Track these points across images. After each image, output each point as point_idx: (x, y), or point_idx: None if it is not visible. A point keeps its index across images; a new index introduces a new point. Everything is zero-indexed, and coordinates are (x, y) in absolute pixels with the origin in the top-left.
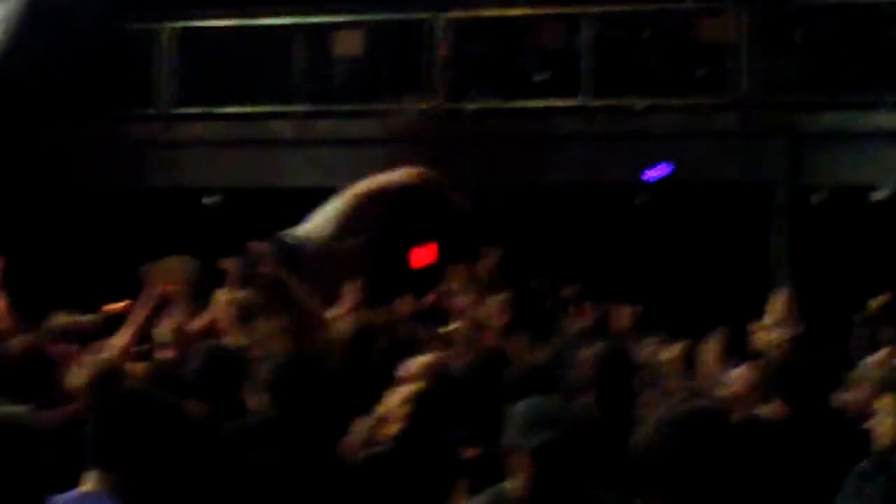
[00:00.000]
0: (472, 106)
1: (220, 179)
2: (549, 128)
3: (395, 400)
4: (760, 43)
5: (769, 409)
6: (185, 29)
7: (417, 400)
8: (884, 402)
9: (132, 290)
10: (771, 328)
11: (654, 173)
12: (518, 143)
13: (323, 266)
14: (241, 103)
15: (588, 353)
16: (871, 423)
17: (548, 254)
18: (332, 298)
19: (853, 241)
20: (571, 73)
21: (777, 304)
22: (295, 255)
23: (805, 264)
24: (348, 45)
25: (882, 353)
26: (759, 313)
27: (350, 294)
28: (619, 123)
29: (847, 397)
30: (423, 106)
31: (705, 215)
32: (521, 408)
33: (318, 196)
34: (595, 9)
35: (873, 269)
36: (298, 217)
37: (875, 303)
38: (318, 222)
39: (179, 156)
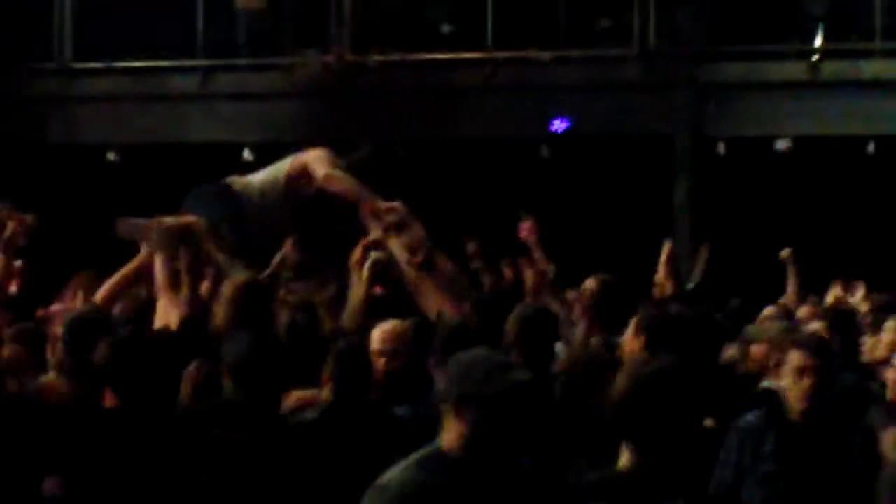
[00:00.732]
0: (377, 58)
1: (121, 135)
2: (455, 80)
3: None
4: None
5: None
6: None
7: (343, 361)
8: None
9: (32, 244)
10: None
11: (558, 126)
12: (423, 96)
13: (262, 221)
14: (143, 58)
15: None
16: (774, 381)
17: (454, 208)
18: (265, 254)
19: (756, 191)
20: (477, 26)
21: (662, 259)
22: (238, 204)
23: (707, 215)
24: None
25: (771, 309)
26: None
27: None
28: (525, 76)
29: (734, 353)
30: (328, 59)
31: (610, 167)
32: (472, 358)
33: (222, 151)
34: None
35: (776, 219)
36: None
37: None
38: (264, 179)
39: (80, 111)
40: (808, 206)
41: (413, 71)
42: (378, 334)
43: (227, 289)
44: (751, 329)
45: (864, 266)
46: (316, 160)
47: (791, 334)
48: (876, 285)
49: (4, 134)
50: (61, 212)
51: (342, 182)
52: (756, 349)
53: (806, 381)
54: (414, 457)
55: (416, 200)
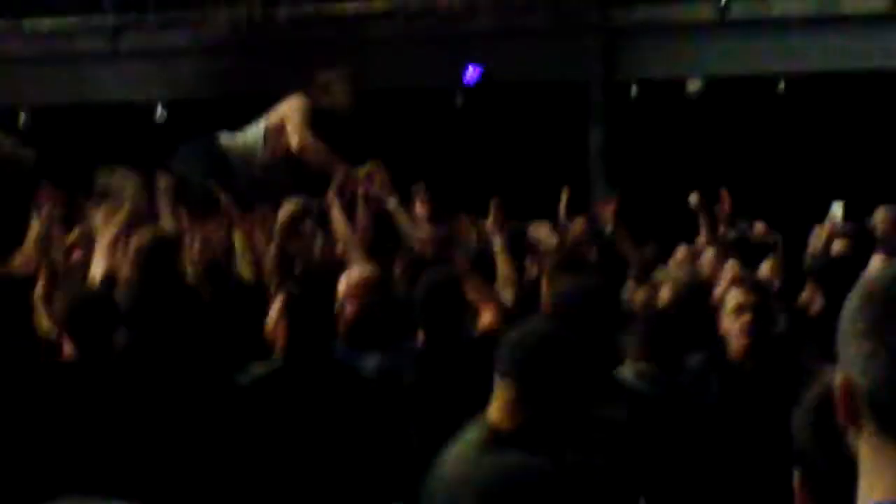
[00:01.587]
0: (284, 12)
1: (30, 97)
2: (367, 33)
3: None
4: None
5: None
6: None
7: (293, 312)
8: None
9: None
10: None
11: (471, 75)
12: (335, 50)
13: (249, 175)
14: (49, 17)
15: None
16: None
17: (369, 160)
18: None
19: (670, 134)
20: None
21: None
22: (224, 159)
23: (622, 161)
24: None
25: (683, 251)
26: (578, 209)
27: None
28: (433, 25)
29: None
30: (235, 14)
31: (524, 115)
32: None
33: (134, 111)
34: None
35: (690, 161)
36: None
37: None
38: (249, 133)
39: None
40: (721, 147)
41: (324, 24)
42: (345, 280)
43: (135, 241)
44: (660, 272)
45: (774, 206)
46: (291, 112)
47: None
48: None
49: None
50: None
51: (315, 153)
52: (664, 292)
53: (745, 318)
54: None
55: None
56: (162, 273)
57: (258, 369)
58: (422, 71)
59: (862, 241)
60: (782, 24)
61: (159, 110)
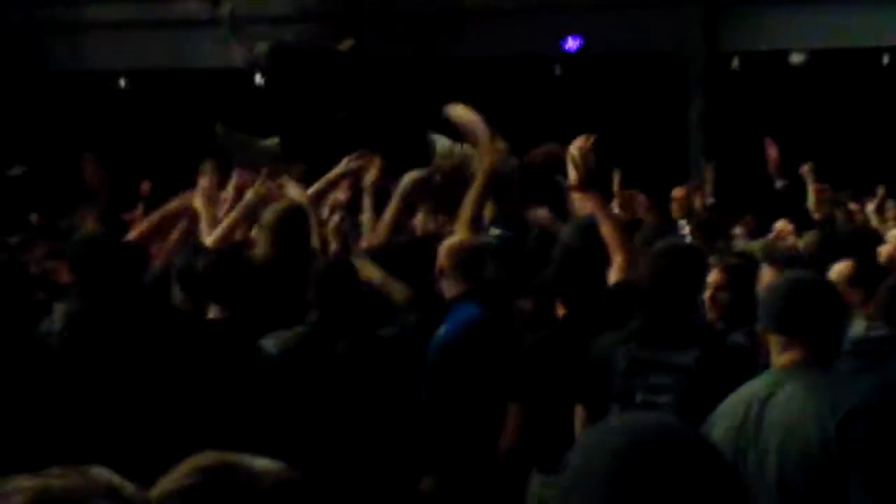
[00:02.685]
0: None
1: (129, 62)
2: (465, 1)
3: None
4: None
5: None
6: None
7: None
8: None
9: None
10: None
11: (571, 44)
12: (433, 17)
13: None
14: None
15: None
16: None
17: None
18: None
19: (771, 106)
20: None
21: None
22: None
23: (722, 132)
24: None
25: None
26: (678, 181)
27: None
28: None
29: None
30: None
31: (623, 86)
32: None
33: (232, 77)
34: None
35: (791, 134)
36: (208, 99)
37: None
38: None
39: (85, 39)
40: (823, 120)
41: None
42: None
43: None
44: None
45: (879, 178)
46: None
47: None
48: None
49: (10, 62)
50: (70, 140)
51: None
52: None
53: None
54: None
55: (427, 122)
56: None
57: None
58: (520, 40)
59: None
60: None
61: (258, 77)
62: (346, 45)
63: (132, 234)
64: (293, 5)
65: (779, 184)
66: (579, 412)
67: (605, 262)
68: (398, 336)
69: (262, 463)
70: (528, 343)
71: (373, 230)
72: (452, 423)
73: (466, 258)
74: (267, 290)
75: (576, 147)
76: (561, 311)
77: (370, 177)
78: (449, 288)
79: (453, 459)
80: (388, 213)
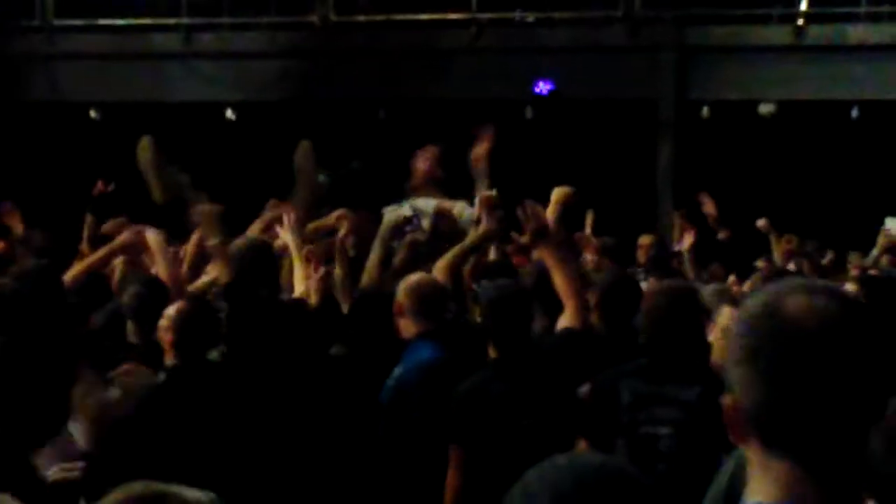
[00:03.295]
0: (361, 18)
1: (103, 93)
2: (439, 42)
3: None
4: None
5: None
6: None
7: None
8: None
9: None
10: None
11: (542, 88)
12: (407, 58)
13: None
14: (125, 15)
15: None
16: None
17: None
18: None
19: (740, 155)
20: None
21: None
22: None
23: (691, 179)
24: None
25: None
26: (646, 227)
27: None
28: (509, 38)
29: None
30: (312, 19)
31: (594, 130)
32: None
33: (204, 110)
34: None
35: (760, 183)
36: (184, 131)
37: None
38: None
39: (62, 69)
40: (791, 171)
41: (397, 32)
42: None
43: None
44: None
45: (844, 231)
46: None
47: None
48: (856, 248)
49: None
50: (43, 168)
51: None
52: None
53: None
54: None
55: (401, 161)
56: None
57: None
58: (493, 82)
59: None
60: (857, 51)
61: (229, 111)
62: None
63: (73, 272)
64: (268, 41)
65: (721, 235)
66: (581, 445)
67: (552, 307)
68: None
69: (192, 494)
70: (461, 387)
71: (343, 287)
72: (404, 462)
73: (426, 297)
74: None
75: (485, 198)
76: (492, 355)
77: (342, 233)
78: (406, 327)
79: (405, 499)
80: (374, 256)
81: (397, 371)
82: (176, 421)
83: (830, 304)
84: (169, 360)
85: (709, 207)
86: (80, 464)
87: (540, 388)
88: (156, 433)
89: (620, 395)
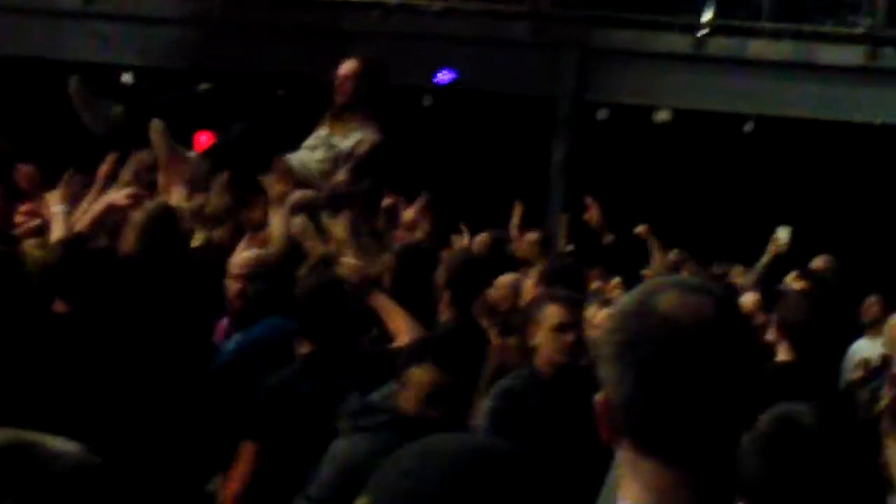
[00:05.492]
0: None
1: (2, 49)
2: (343, 22)
3: None
4: None
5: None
6: None
7: None
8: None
9: None
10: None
11: (443, 77)
12: (310, 35)
13: None
14: None
15: None
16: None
17: None
18: None
19: (633, 160)
20: None
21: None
22: None
23: (583, 180)
24: None
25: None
26: (534, 223)
27: None
28: (414, 23)
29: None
30: None
31: (491, 123)
32: None
33: (101, 71)
34: None
35: (651, 189)
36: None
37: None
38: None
39: None
40: (683, 180)
41: (302, 9)
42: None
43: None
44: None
45: (731, 243)
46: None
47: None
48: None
49: None
50: None
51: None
52: None
53: (566, 337)
54: None
55: (296, 140)
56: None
57: None
58: (394, 67)
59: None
60: (755, 65)
61: (126, 75)
62: (204, 87)
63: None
64: (174, 7)
65: (606, 240)
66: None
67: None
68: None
69: (62, 444)
70: (267, 381)
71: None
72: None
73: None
74: (122, 286)
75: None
76: (305, 350)
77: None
78: None
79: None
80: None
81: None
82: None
83: (704, 300)
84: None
85: (592, 213)
86: None
87: (346, 390)
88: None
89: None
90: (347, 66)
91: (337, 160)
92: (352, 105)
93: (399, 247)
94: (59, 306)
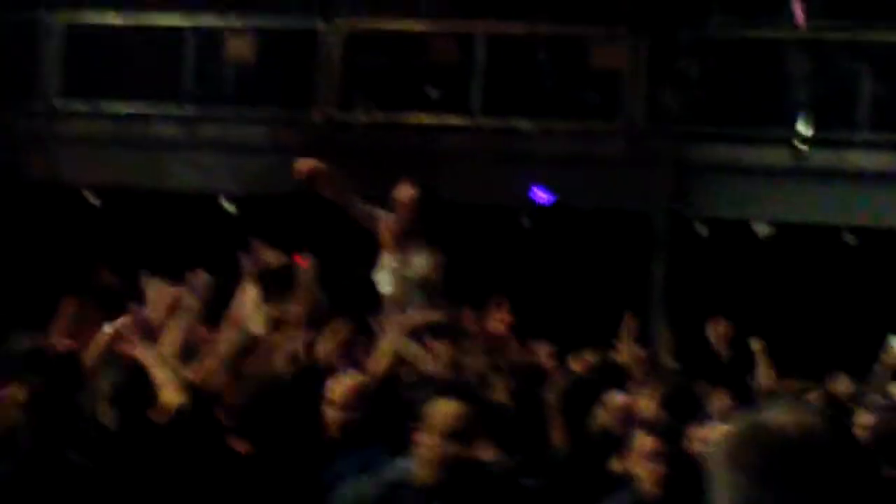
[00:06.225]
0: (361, 118)
1: (102, 178)
2: (438, 144)
3: None
4: (652, 72)
5: None
6: (74, 24)
7: None
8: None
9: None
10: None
11: (540, 197)
12: (405, 159)
13: None
14: (128, 102)
15: None
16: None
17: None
18: None
19: (734, 274)
20: (463, 91)
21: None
22: None
23: (684, 295)
24: (240, 49)
25: None
26: (640, 341)
27: None
28: (507, 144)
29: None
30: (313, 116)
31: (589, 241)
32: None
33: (201, 201)
34: (490, 27)
35: (753, 303)
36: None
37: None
38: None
39: (62, 152)
40: (785, 292)
41: (397, 133)
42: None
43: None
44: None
45: (838, 356)
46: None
47: None
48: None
49: None
50: (40, 249)
51: None
52: None
53: (658, 467)
54: None
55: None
56: None
57: None
58: (490, 188)
59: None
60: (855, 177)
61: (225, 203)
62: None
63: None
64: (268, 135)
65: (725, 356)
66: None
67: None
68: None
69: None
70: None
71: None
72: None
73: None
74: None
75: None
76: None
77: None
78: None
79: None
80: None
81: None
82: None
83: (814, 419)
84: None
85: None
86: None
87: None
88: None
89: None
90: (406, 193)
91: (405, 285)
92: (413, 231)
93: (515, 366)
94: (238, 445)
